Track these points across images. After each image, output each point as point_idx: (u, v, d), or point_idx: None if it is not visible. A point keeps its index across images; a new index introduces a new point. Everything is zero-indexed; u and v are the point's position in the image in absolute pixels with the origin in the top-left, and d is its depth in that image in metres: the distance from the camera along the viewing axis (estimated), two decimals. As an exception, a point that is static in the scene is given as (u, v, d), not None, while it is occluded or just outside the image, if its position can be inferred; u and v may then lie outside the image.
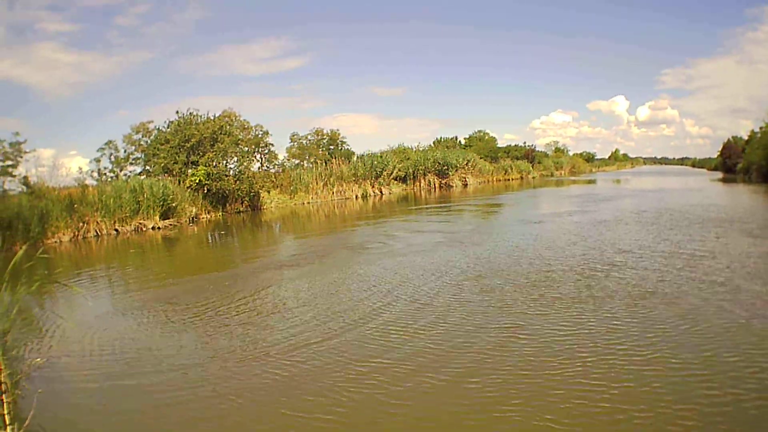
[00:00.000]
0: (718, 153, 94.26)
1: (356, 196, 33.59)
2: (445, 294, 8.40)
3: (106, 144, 25.98)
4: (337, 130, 37.76)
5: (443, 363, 5.66)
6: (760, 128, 61.21)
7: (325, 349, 6.18)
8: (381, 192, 36.15)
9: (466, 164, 48.79)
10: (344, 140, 38.03)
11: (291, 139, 36.36)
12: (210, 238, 18.54)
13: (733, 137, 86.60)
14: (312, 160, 34.29)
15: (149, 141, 24.12)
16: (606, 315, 6.99)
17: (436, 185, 43.61)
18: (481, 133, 69.04)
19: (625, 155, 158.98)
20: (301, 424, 4.55)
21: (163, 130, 23.81)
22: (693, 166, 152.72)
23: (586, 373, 5.44)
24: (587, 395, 5.05)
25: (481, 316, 7.25)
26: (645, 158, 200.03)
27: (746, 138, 74.26)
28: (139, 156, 24.99)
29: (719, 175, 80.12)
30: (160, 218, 19.43)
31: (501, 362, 5.71)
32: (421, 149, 48.07)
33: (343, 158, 35.56)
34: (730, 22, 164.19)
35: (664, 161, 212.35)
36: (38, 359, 6.19)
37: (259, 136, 26.19)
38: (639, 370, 5.63)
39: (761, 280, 9.06)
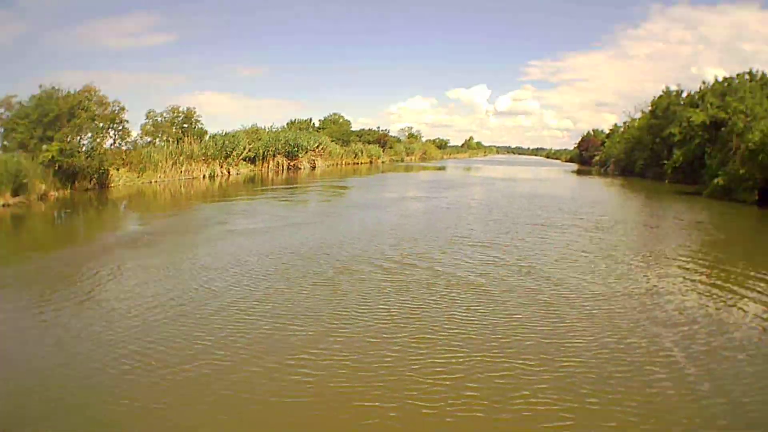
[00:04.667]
0: (576, 145, 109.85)
1: (203, 176, 37.07)
2: (274, 274, 10.31)
3: (-33, 117, 26.95)
4: (194, 108, 40.64)
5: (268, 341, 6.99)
6: (624, 123, 73.13)
7: (166, 330, 7.31)
8: (229, 172, 40.26)
9: (317, 147, 53.24)
10: (199, 119, 41.14)
11: (147, 116, 38.46)
12: (56, 216, 20.57)
13: (593, 130, 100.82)
14: (165, 138, 37.26)
15: (10, 115, 25.76)
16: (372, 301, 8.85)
17: (284, 167, 47.70)
18: (336, 116, 75.20)
19: (478, 143, 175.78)
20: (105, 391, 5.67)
21: (25, 104, 25.79)
22: (547, 156, 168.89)
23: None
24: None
25: (294, 293, 9.14)
26: (499, 147, 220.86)
27: (607, 132, 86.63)
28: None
29: (573, 167, 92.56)
30: (11, 195, 21.72)
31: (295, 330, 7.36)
32: (274, 130, 52.30)
33: (195, 137, 39.22)
34: (613, 18, 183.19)
35: (518, 151, 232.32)
36: None
37: (116, 111, 28.41)
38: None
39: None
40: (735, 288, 10.61)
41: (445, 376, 6.16)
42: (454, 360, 6.60)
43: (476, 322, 8.04)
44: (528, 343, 7.25)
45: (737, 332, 8.01)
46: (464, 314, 8.37)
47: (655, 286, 10.47)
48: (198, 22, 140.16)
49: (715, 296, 9.98)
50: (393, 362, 6.51)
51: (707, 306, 9.27)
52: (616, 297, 9.53)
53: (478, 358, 6.67)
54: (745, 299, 9.83)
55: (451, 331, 7.64)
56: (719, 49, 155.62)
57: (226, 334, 7.37)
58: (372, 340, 7.26)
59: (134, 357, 6.54)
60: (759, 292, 10.33)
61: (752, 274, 11.88)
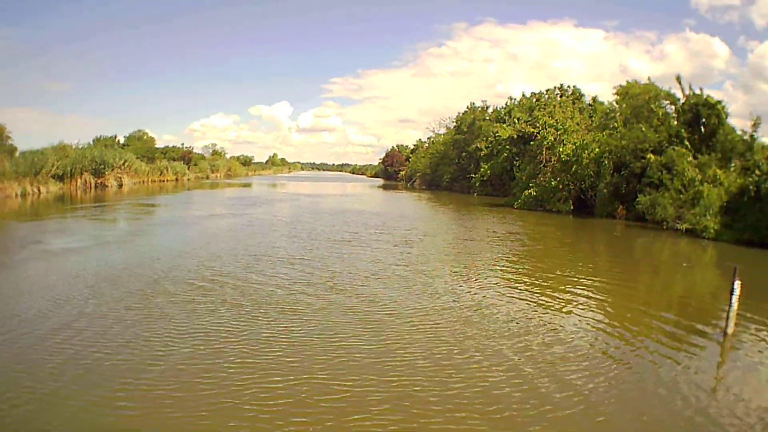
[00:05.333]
0: (380, 160, 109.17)
1: (15, 195, 35.06)
2: (80, 295, 9.69)
3: None
4: (4, 124, 38.92)
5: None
6: (429, 138, 77.59)
7: None
8: (39, 190, 38.16)
9: (123, 164, 51.47)
10: (9, 135, 39.30)
11: None
12: None
13: (398, 146, 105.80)
14: None
15: None
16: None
17: (92, 184, 45.69)
18: (140, 133, 73.06)
19: (283, 160, 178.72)
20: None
21: None
22: (353, 172, 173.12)
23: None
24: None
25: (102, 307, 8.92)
26: (303, 163, 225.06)
27: (412, 147, 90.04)
28: None
29: (380, 181, 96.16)
30: None
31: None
32: (80, 147, 50.29)
33: (6, 154, 36.90)
34: (415, 37, 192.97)
35: (323, 167, 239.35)
36: None
37: None
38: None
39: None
40: (559, 295, 10.97)
41: (271, 403, 5.76)
42: (277, 386, 6.17)
43: (296, 342, 7.62)
44: (357, 361, 6.96)
45: (567, 335, 8.26)
46: (282, 335, 7.93)
47: (477, 298, 10.42)
48: (6, 34, 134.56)
49: (540, 304, 10.19)
50: (214, 387, 6.06)
51: (534, 314, 9.40)
52: (439, 312, 9.33)
53: (304, 382, 6.30)
54: (572, 304, 10.28)
55: (272, 353, 7.16)
56: (528, 67, 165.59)
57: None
58: (183, 366, 6.69)
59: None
60: (583, 296, 10.90)
61: (574, 279, 12.57)
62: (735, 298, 8.18)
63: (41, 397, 5.85)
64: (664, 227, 23.54)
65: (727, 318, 8.50)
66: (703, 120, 26.54)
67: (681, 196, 23.72)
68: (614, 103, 32.00)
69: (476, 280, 12.30)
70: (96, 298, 9.86)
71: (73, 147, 49.05)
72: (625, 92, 30.27)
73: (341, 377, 6.45)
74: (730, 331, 8.49)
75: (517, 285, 11.87)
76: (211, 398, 5.89)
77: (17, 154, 39.97)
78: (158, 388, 6.11)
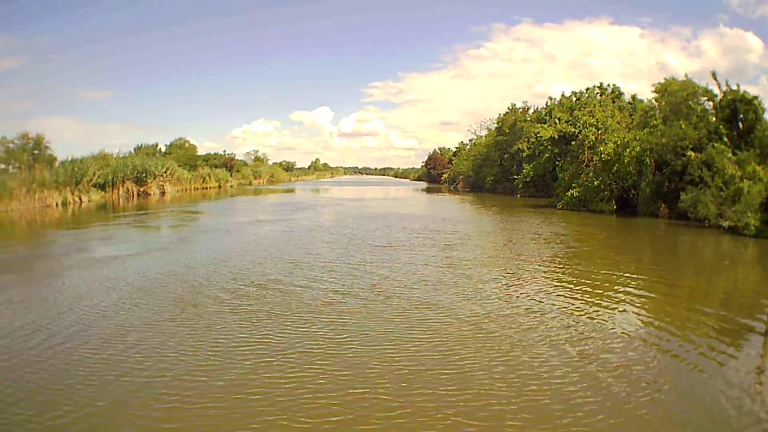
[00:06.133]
0: (423, 164, 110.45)
1: (56, 204, 35.75)
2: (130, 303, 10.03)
3: None
4: (43, 134, 40.12)
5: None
6: (471, 140, 77.80)
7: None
8: (80, 200, 39.03)
9: (165, 172, 52.45)
10: (48, 145, 40.41)
11: None
12: None
13: (440, 149, 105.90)
14: (17, 166, 36.58)
15: None
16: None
17: (134, 193, 46.75)
18: (182, 141, 74.91)
19: (325, 165, 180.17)
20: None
21: None
22: (396, 176, 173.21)
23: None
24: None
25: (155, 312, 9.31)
26: (346, 168, 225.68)
27: (454, 150, 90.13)
28: None
29: (423, 185, 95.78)
30: None
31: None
32: (121, 156, 52.02)
33: (46, 164, 38.32)
34: (453, 39, 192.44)
35: (366, 171, 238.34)
36: None
37: None
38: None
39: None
40: (606, 296, 11.20)
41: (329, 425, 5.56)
42: (333, 402, 6.02)
43: (349, 354, 7.50)
44: (418, 372, 6.85)
45: (621, 336, 8.46)
46: (333, 346, 7.82)
47: (529, 303, 10.48)
48: (43, 44, 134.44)
49: (590, 306, 10.34)
50: (265, 403, 5.99)
51: (587, 318, 9.48)
52: (494, 318, 9.35)
53: (363, 398, 6.14)
54: (620, 305, 10.52)
55: (326, 367, 6.99)
56: (566, 66, 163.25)
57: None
58: (247, 369, 6.94)
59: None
60: (629, 296, 11.17)
61: (620, 280, 12.77)
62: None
63: (88, 413, 5.76)
64: (707, 225, 23.51)
65: (768, 317, 8.70)
66: (741, 116, 26.49)
67: (722, 193, 23.65)
68: (653, 100, 31.96)
69: (525, 284, 12.36)
70: (142, 306, 9.93)
71: (114, 156, 50.25)
72: (663, 89, 30.29)
73: (404, 391, 6.32)
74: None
75: (566, 288, 11.95)
76: (265, 414, 5.75)
77: (57, 163, 40.41)
78: (202, 401, 6.04)
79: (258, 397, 6.20)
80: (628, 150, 29.87)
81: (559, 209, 32.87)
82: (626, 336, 8.64)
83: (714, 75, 28.06)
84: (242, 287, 11.61)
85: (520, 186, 46.34)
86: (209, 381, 6.65)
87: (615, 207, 30.65)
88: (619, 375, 6.96)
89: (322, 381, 6.63)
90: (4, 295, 11.00)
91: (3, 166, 37.09)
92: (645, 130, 29.88)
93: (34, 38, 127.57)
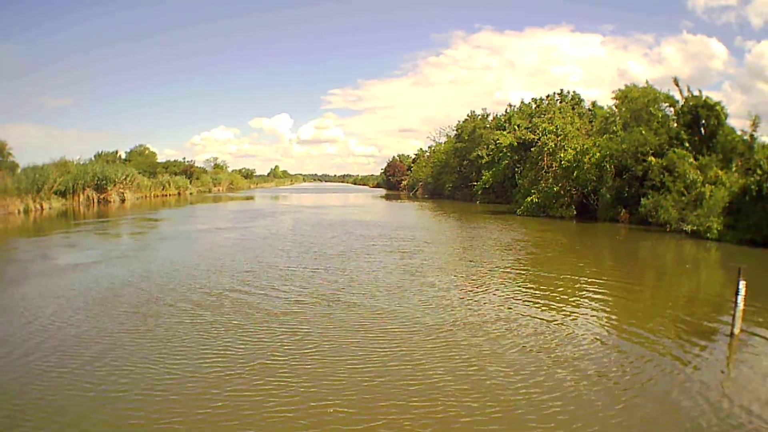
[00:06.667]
0: (382, 171, 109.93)
1: (18, 211, 35.57)
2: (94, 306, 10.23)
3: None
4: (5, 141, 39.95)
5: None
6: (430, 147, 77.71)
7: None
8: (42, 207, 38.65)
9: (125, 179, 52.21)
10: (11, 152, 40.38)
11: None
12: None
13: (399, 155, 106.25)
14: None
15: None
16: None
17: (95, 200, 46.28)
18: (142, 148, 73.69)
19: (285, 172, 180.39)
20: None
21: None
22: (354, 183, 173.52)
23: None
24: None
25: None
26: (305, 175, 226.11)
27: (413, 157, 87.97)
28: None
29: (382, 191, 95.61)
30: None
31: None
32: (82, 163, 50.74)
33: (8, 170, 37.53)
34: (414, 46, 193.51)
35: (325, 178, 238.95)
36: None
37: None
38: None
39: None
40: (570, 302, 11.08)
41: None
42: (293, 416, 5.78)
43: (308, 366, 7.17)
44: (379, 386, 6.52)
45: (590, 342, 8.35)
46: (298, 356, 7.58)
47: (492, 310, 10.21)
48: (3, 50, 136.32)
49: (554, 311, 10.20)
50: (246, 408, 5.92)
51: (555, 324, 9.29)
52: (460, 326, 9.05)
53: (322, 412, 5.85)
54: (584, 310, 10.42)
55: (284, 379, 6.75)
56: (526, 73, 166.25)
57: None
58: (211, 382, 6.65)
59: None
60: (593, 301, 11.15)
61: (582, 285, 12.75)
62: (740, 299, 8.41)
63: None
64: (668, 229, 23.80)
65: (733, 318, 8.67)
66: (703, 121, 26.88)
67: (683, 198, 24.00)
68: (614, 107, 32.40)
69: (490, 291, 12.12)
70: (102, 317, 9.68)
71: (75, 163, 49.43)
72: (624, 96, 30.77)
73: (371, 403, 6.07)
74: (736, 331, 8.63)
75: (532, 294, 11.81)
76: (231, 429, 5.53)
77: (19, 170, 40.06)
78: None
79: (224, 411, 5.97)
80: (587, 156, 30.05)
81: (519, 215, 32.92)
82: (598, 342, 8.62)
83: (676, 81, 28.64)
84: (204, 297, 11.35)
85: (479, 192, 46.46)
86: (172, 395, 6.41)
87: (575, 212, 30.76)
88: (594, 382, 6.87)
89: (286, 394, 6.41)
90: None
91: None
92: (605, 137, 30.12)
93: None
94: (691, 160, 25.37)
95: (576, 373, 7.12)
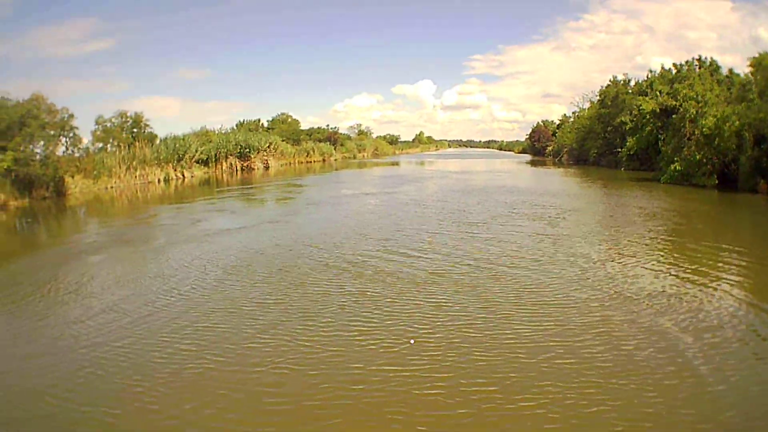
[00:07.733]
0: (527, 136, 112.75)
1: (158, 180, 37.58)
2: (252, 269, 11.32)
3: None
4: (141, 112, 41.21)
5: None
6: (573, 113, 75.93)
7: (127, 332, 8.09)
8: (183, 175, 40.95)
9: (268, 147, 53.38)
10: (148, 123, 41.73)
11: (96, 122, 38.79)
12: (19, 225, 21.08)
13: (543, 121, 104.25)
14: (116, 144, 38.09)
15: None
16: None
17: (238, 168, 47.69)
18: (285, 116, 75.66)
19: (429, 138, 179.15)
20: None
21: (-24, 115, 26.08)
22: (500, 149, 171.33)
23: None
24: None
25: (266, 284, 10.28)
26: (450, 141, 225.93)
27: (557, 122, 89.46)
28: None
29: (527, 157, 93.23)
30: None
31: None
32: (223, 132, 52.83)
33: (146, 141, 39.93)
34: (552, 10, 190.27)
35: (470, 144, 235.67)
36: None
37: (65, 119, 28.87)
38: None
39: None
40: (722, 276, 10.78)
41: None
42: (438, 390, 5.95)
43: (452, 341, 7.35)
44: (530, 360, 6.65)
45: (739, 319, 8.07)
46: (434, 330, 7.77)
47: (643, 284, 10.05)
48: (136, 26, 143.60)
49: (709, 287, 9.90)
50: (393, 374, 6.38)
51: (713, 302, 8.99)
52: (611, 300, 9.06)
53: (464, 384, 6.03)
54: (737, 283, 10.15)
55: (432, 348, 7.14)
56: (664, 38, 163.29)
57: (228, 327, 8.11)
58: (360, 337, 7.52)
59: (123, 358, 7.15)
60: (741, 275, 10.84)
61: (731, 258, 12.33)
62: None
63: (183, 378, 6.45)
64: None
65: None
66: (841, 86, 26.74)
67: None
68: (749, 74, 32.47)
69: (638, 264, 11.69)
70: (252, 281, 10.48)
71: (216, 132, 51.34)
72: (758, 63, 30.67)
73: (535, 387, 5.88)
74: None
75: (683, 269, 11.27)
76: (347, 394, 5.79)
77: (158, 141, 41.73)
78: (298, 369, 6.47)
79: (376, 389, 5.94)
80: (728, 124, 30.48)
81: (663, 183, 33.46)
82: (740, 318, 8.00)
83: (815, 47, 28.68)
84: (349, 265, 11.71)
85: (623, 159, 46.97)
86: (335, 370, 6.48)
87: (717, 181, 31.13)
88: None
89: (438, 374, 6.21)
90: (134, 267, 12.35)
91: (101, 144, 37.69)
92: (742, 105, 30.48)
93: (124, 20, 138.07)
94: (830, 128, 25.49)
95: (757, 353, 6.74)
